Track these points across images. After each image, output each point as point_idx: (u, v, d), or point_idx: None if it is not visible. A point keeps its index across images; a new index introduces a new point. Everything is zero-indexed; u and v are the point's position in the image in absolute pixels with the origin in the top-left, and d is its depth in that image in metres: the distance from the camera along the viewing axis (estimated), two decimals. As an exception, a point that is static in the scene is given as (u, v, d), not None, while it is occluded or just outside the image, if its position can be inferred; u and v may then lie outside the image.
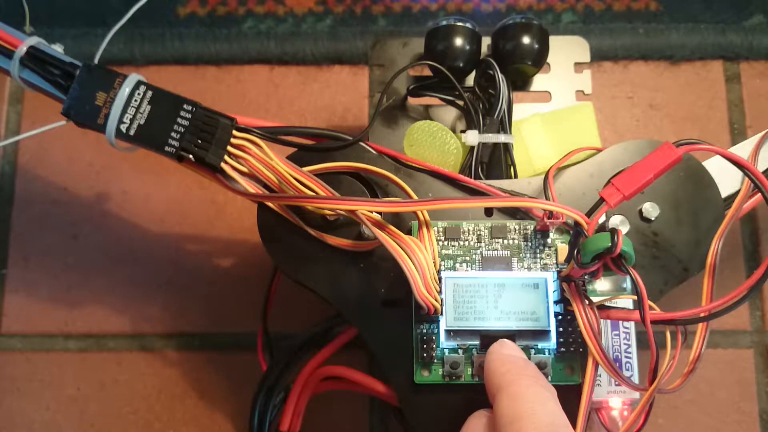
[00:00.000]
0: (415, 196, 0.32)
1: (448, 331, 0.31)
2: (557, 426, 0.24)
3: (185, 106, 0.31)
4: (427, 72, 0.38)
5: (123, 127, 0.31)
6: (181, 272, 0.45)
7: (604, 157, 0.34)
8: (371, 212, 0.30)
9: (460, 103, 0.37)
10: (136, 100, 0.31)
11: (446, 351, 0.31)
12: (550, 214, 0.31)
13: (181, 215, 0.45)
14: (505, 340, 0.30)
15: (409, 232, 0.31)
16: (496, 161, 0.35)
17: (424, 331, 0.31)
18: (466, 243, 0.32)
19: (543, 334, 0.31)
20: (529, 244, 0.32)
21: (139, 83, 0.31)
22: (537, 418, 0.24)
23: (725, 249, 0.29)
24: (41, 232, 0.46)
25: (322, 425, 0.42)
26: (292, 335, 0.37)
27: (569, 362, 0.31)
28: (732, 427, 0.42)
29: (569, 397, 0.30)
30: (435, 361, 0.31)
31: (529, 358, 0.31)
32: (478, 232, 0.32)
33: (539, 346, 0.31)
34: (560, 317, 0.31)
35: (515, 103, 0.37)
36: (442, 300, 0.31)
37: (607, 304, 0.30)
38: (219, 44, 0.48)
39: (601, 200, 0.27)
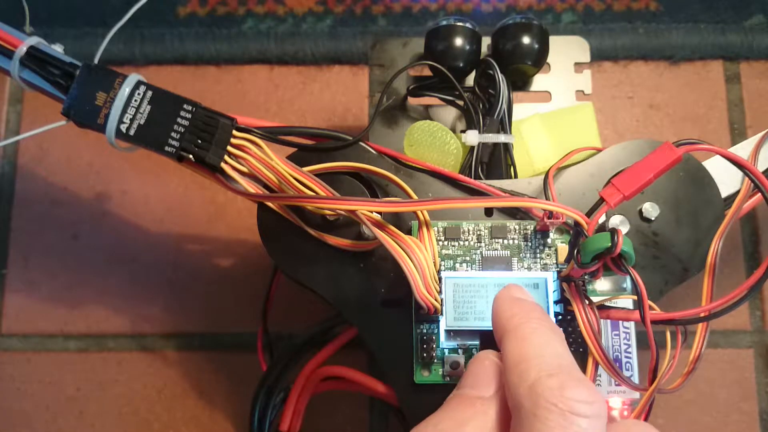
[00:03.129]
0: (415, 196, 0.32)
1: (448, 331, 0.31)
2: (563, 366, 0.24)
3: (185, 106, 0.31)
4: (427, 72, 0.38)
5: (123, 127, 0.31)
6: (181, 272, 0.45)
7: (604, 157, 0.34)
8: (371, 212, 0.30)
9: (460, 103, 0.37)
10: (136, 100, 0.31)
11: (446, 351, 0.31)
12: (550, 214, 0.31)
13: (181, 215, 0.45)
14: (512, 284, 0.29)
15: (409, 232, 0.31)
16: (496, 161, 0.35)
17: (424, 331, 0.31)
18: (466, 243, 0.32)
19: (543, 334, 0.31)
20: (529, 244, 0.32)
21: (139, 83, 0.31)
22: (542, 360, 0.24)
23: (725, 249, 0.29)
24: (41, 232, 0.46)
25: (322, 425, 0.42)
26: (292, 335, 0.37)
27: (569, 362, 0.31)
28: (732, 427, 0.42)
29: (569, 397, 0.30)
30: (435, 361, 0.31)
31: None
32: (478, 232, 0.32)
33: (539, 346, 0.31)
34: (560, 317, 0.31)
35: (515, 103, 0.37)
36: (442, 300, 0.31)
37: (607, 304, 0.30)
38: (219, 44, 0.48)
39: (601, 200, 0.27)
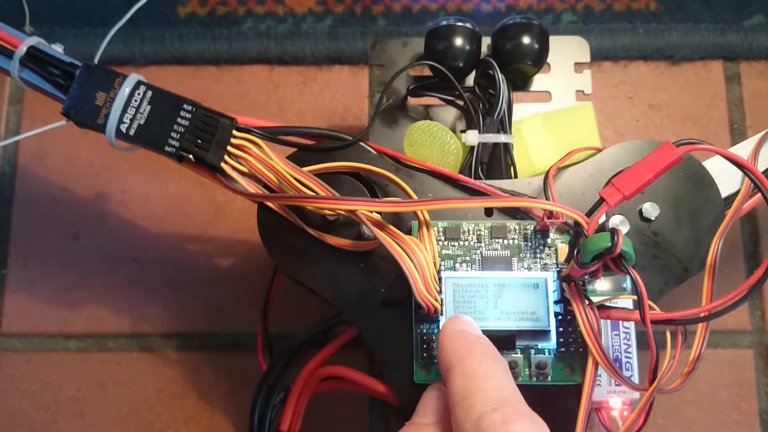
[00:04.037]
0: (415, 196, 0.32)
1: (448, 331, 0.31)
2: (507, 400, 0.24)
3: (185, 106, 0.31)
4: (427, 72, 0.38)
5: (123, 127, 0.31)
6: (181, 272, 0.45)
7: (604, 157, 0.34)
8: (371, 212, 0.30)
9: (460, 103, 0.37)
10: (136, 100, 0.31)
11: (446, 351, 0.31)
12: (550, 214, 0.31)
13: (181, 215, 0.45)
14: (459, 315, 0.30)
15: (409, 232, 0.31)
16: (496, 161, 0.35)
17: (424, 331, 0.31)
18: (466, 243, 0.32)
19: (543, 334, 0.31)
20: (529, 244, 0.32)
21: (139, 83, 0.31)
22: (486, 394, 0.25)
23: (725, 249, 0.29)
24: (41, 232, 0.46)
25: (322, 425, 0.42)
26: (292, 335, 0.37)
27: (569, 362, 0.31)
28: (732, 427, 0.42)
29: (569, 397, 0.30)
30: (435, 361, 0.31)
31: (529, 358, 0.31)
32: (478, 232, 0.32)
33: (539, 346, 0.31)
34: (560, 317, 0.31)
35: (515, 103, 0.37)
36: (442, 300, 0.31)
37: (607, 304, 0.30)
38: (219, 44, 0.48)
39: (601, 200, 0.27)
